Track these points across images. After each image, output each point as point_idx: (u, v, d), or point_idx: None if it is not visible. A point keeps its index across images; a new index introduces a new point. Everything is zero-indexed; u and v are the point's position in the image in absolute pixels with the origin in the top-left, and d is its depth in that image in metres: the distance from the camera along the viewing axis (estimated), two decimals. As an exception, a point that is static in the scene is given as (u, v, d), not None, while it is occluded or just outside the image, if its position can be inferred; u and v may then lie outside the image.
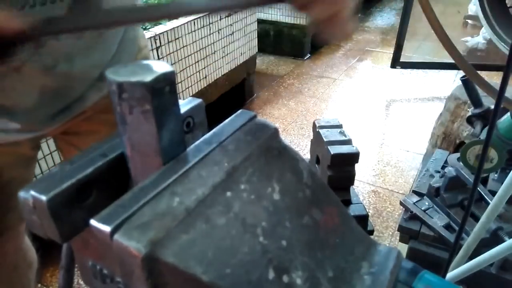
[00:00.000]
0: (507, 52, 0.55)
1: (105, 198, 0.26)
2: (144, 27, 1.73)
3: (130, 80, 0.24)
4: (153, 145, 0.26)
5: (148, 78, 0.24)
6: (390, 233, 1.62)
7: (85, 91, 0.62)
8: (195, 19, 1.89)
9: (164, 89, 0.25)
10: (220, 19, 2.10)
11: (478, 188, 1.17)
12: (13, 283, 0.84)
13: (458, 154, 1.20)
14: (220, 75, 2.21)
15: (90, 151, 0.28)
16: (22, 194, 0.24)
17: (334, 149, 1.28)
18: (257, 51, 2.60)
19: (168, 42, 1.76)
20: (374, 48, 3.44)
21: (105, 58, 0.61)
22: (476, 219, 1.02)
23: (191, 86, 1.99)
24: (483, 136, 1.16)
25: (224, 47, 2.20)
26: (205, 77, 2.09)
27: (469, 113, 1.24)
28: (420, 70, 2.95)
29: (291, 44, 3.18)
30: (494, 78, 2.57)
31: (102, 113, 0.67)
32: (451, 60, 0.89)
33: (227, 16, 2.16)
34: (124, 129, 0.26)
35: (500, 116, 1.03)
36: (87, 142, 0.68)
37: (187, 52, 1.90)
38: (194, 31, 1.91)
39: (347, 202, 1.36)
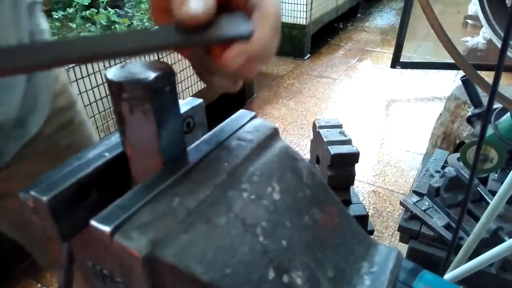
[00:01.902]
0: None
1: (105, 198, 0.26)
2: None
3: (130, 79, 0.24)
4: (153, 145, 0.26)
5: (149, 77, 0.24)
6: (390, 233, 1.62)
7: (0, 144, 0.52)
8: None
9: (164, 89, 0.25)
10: (220, 19, 2.10)
11: (478, 188, 1.17)
12: None
13: (458, 154, 1.20)
14: (220, 75, 2.21)
15: (89, 151, 0.28)
16: (22, 194, 0.24)
17: (334, 149, 1.28)
18: (257, 51, 2.60)
19: (168, 42, 1.76)
20: (374, 48, 3.44)
21: (14, 98, 0.50)
22: (476, 219, 1.02)
23: (191, 86, 1.99)
24: (483, 136, 1.16)
25: (224, 47, 2.20)
26: (205, 77, 2.08)
27: (469, 113, 1.23)
28: (420, 70, 2.95)
29: (291, 44, 3.18)
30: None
31: (25, 166, 0.56)
32: (451, 60, 0.89)
33: (227, 16, 2.16)
34: (124, 129, 0.26)
35: (500, 116, 1.03)
36: (4, 210, 0.58)
37: (187, 52, 1.90)
38: (194, 31, 1.91)
39: (347, 202, 1.36)
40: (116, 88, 0.24)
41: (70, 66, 1.41)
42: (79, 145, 0.63)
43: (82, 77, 1.47)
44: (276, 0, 0.28)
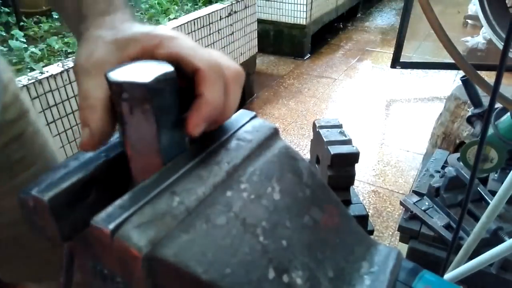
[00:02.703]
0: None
1: (105, 198, 0.26)
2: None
3: (130, 80, 0.24)
4: (153, 145, 0.26)
5: (149, 78, 0.24)
6: (390, 233, 1.62)
7: None
8: (195, 19, 1.89)
9: (164, 89, 0.25)
10: (220, 19, 2.10)
11: (478, 188, 1.17)
12: None
13: (458, 154, 1.20)
14: (220, 75, 2.21)
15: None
16: (22, 194, 0.24)
17: (334, 149, 1.28)
18: (257, 51, 2.60)
19: (168, 42, 1.75)
20: (374, 48, 3.44)
21: None
22: (476, 219, 1.02)
23: (191, 86, 1.99)
24: (483, 136, 1.16)
25: (224, 47, 2.20)
26: (205, 77, 2.08)
27: (469, 113, 1.23)
28: (420, 70, 2.95)
29: (291, 44, 3.18)
30: (494, 78, 2.56)
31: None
32: (451, 60, 0.89)
33: (227, 16, 2.16)
34: (124, 129, 0.26)
35: (500, 116, 1.03)
36: None
37: (187, 52, 1.89)
38: (194, 31, 1.91)
39: (347, 202, 1.36)
40: (116, 88, 0.24)
41: (67, 68, 1.41)
42: (31, 157, 0.59)
43: (82, 77, 1.46)
44: (227, 61, 0.29)
